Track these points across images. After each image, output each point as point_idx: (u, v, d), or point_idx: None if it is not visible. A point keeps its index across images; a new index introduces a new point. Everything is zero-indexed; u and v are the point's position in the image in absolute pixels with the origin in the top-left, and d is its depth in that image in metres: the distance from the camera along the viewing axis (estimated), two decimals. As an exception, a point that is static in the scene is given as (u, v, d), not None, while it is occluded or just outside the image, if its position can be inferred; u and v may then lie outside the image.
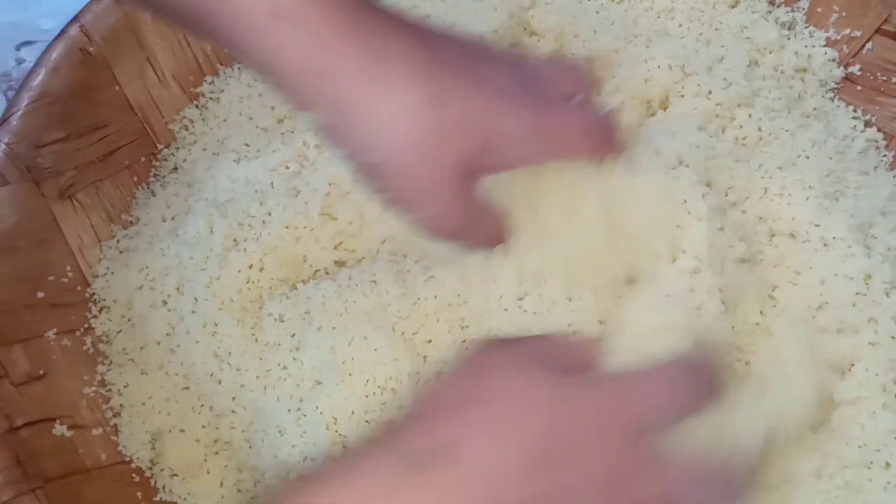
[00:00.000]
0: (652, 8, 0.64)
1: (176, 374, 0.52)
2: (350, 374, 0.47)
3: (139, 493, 0.51)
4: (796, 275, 0.53)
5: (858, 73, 0.60)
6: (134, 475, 0.51)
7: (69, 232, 0.55)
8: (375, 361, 0.47)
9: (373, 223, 0.52)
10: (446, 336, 0.47)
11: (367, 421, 0.47)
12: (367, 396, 0.47)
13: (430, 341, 0.48)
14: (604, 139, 0.42)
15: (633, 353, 0.41)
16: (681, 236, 0.47)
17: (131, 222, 0.58)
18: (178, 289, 0.53)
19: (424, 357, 0.47)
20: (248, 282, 0.52)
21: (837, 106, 0.60)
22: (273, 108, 0.60)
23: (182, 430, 0.51)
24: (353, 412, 0.47)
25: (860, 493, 0.48)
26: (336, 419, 0.47)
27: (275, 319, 0.51)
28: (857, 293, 0.51)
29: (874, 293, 0.51)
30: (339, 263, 0.53)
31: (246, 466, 0.50)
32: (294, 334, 0.50)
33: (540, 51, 0.62)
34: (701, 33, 0.62)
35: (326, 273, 0.52)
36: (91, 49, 0.56)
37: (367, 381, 0.47)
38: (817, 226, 0.53)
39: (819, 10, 0.61)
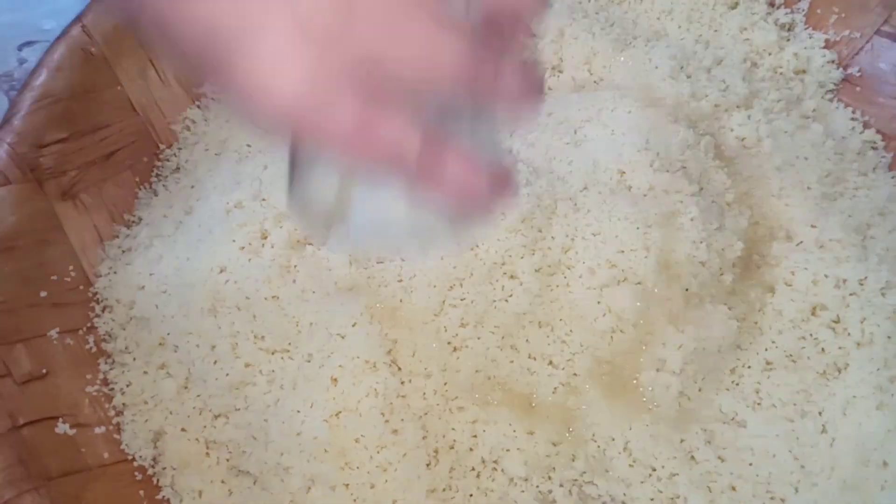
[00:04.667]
0: (651, 9, 0.64)
1: (177, 373, 0.52)
2: (339, 379, 0.48)
3: (141, 492, 0.51)
4: (791, 275, 0.53)
5: (857, 75, 0.60)
6: (136, 473, 0.51)
7: (71, 232, 0.55)
8: (365, 369, 0.48)
9: None
10: None
11: (360, 414, 0.47)
12: (361, 399, 0.48)
13: None
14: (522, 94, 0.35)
15: None
16: None
17: (134, 222, 0.58)
18: (179, 288, 0.53)
19: None
20: (255, 281, 0.52)
21: (836, 107, 0.60)
22: (274, 108, 0.60)
23: (183, 430, 0.52)
24: (351, 411, 0.48)
25: (858, 491, 0.48)
26: (337, 415, 0.48)
27: (273, 318, 0.51)
28: (850, 294, 0.52)
29: (868, 294, 0.51)
30: None
31: (246, 465, 0.51)
32: (291, 335, 0.51)
33: (540, 53, 0.62)
34: (700, 34, 0.62)
35: None
36: (93, 49, 0.57)
37: (354, 384, 0.48)
38: (814, 227, 0.54)
39: (819, 11, 0.61)
